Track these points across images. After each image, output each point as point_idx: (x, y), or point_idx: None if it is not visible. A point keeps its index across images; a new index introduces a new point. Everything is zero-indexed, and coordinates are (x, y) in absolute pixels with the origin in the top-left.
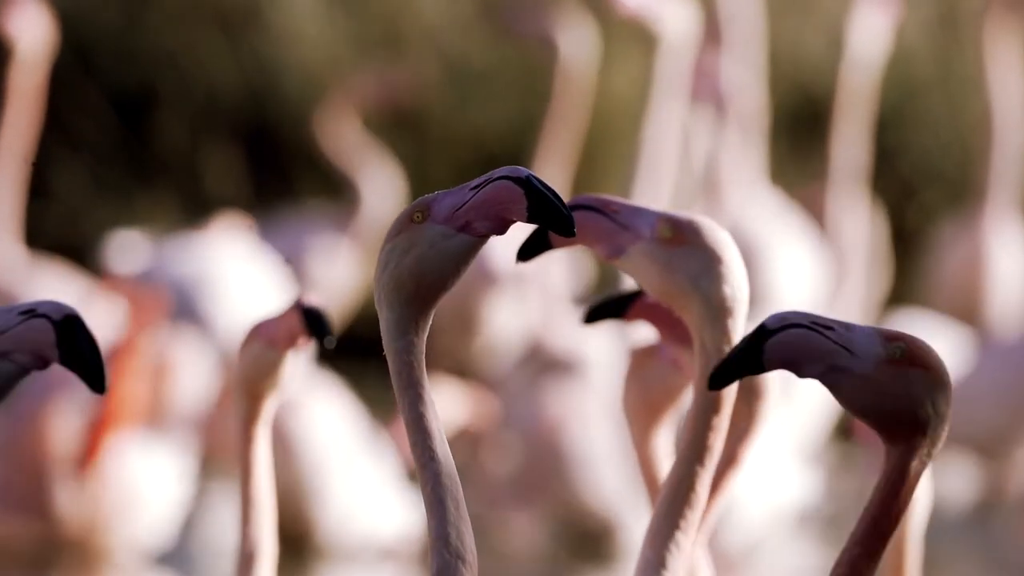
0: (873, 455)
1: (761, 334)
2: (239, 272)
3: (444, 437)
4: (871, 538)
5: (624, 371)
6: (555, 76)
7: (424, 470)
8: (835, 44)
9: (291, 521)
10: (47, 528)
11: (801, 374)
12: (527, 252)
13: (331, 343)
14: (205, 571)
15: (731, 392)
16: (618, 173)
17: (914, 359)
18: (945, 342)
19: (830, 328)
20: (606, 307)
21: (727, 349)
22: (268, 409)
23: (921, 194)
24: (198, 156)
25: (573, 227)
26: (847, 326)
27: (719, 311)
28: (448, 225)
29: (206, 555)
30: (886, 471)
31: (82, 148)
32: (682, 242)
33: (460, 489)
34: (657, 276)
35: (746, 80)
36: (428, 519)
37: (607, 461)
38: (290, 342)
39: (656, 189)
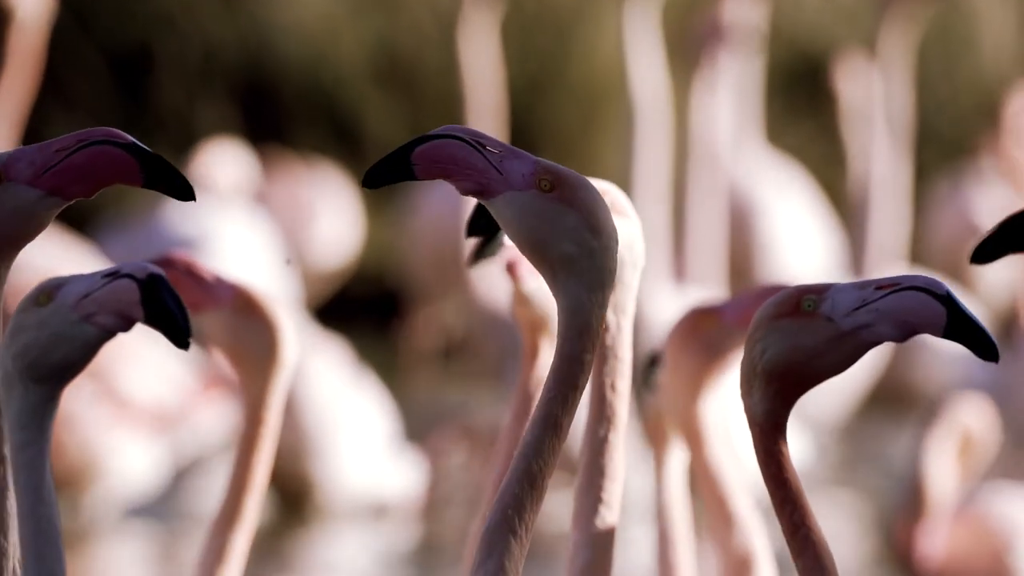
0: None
1: (418, 140)
2: (236, 234)
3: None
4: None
5: (676, 332)
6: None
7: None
8: (831, 2)
9: (290, 479)
10: None
11: (458, 187)
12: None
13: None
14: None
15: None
16: (611, 131)
17: (562, 195)
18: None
19: (491, 149)
20: (481, 248)
21: (620, 320)
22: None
23: (916, 153)
24: (195, 115)
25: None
26: (515, 153)
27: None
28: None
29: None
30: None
31: (79, 107)
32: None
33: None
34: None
35: (746, 37)
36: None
37: None
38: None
39: (657, 141)
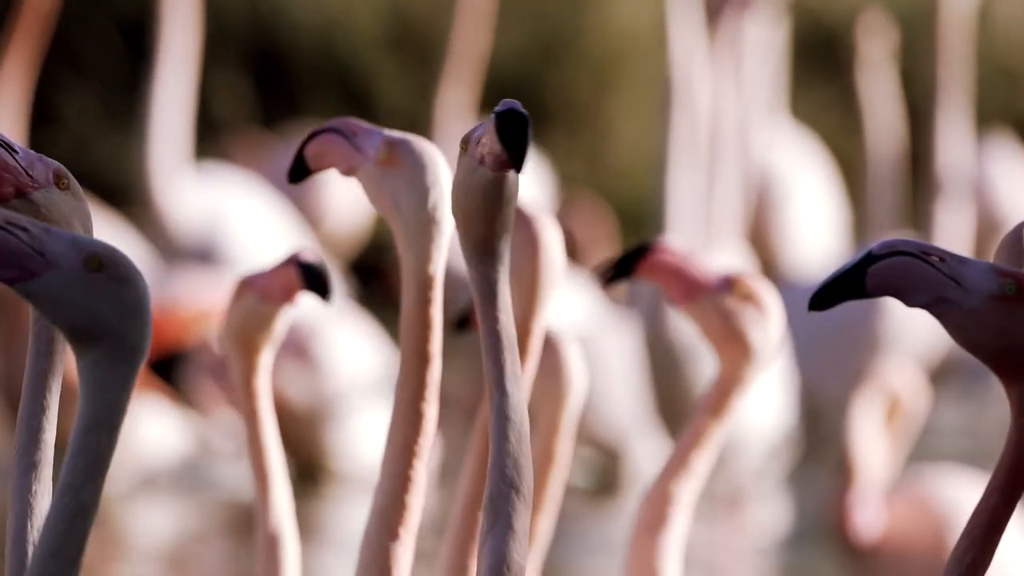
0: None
1: (867, 259)
2: (252, 209)
3: (518, 370)
4: (1008, 486)
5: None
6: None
7: (491, 399)
8: None
9: (305, 445)
10: None
11: (908, 302)
12: (295, 175)
13: (331, 300)
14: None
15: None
16: (624, 98)
17: (391, 160)
18: None
19: (941, 259)
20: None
21: (429, 270)
22: (265, 361)
23: (929, 123)
24: (207, 82)
25: (522, 165)
26: (960, 259)
27: (417, 232)
28: (473, 158)
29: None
30: (1014, 415)
31: (91, 75)
32: (394, 163)
33: (526, 423)
34: (372, 196)
35: (764, 7)
36: (491, 446)
37: (617, 389)
38: (286, 297)
39: (693, 110)
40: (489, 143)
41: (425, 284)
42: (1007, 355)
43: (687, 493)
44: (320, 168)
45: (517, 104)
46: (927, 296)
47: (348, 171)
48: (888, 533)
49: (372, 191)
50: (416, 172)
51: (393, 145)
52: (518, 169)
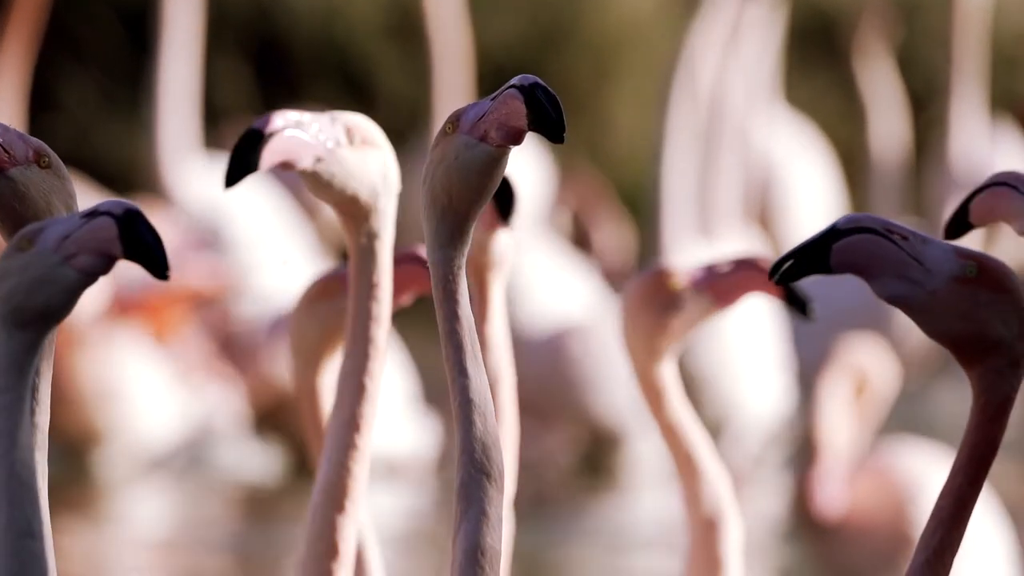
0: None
1: (831, 234)
2: (251, 198)
3: (478, 352)
4: (972, 466)
5: (635, 290)
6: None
7: (454, 384)
8: None
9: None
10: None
11: (873, 286)
12: (232, 176)
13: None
14: (208, 485)
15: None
16: (624, 86)
17: (986, 279)
18: None
19: (904, 238)
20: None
21: (388, 239)
22: (332, 364)
23: (929, 108)
24: (207, 69)
25: (563, 136)
26: (924, 239)
27: (389, 205)
28: (471, 135)
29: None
30: (975, 397)
31: (91, 62)
32: (370, 143)
33: (490, 404)
34: (340, 180)
35: None
36: (456, 433)
37: (617, 376)
38: (398, 296)
39: (692, 97)
40: (505, 116)
41: (381, 256)
42: (967, 339)
43: (706, 452)
44: (270, 166)
45: (534, 78)
46: (890, 276)
47: (307, 160)
48: (851, 509)
49: (340, 175)
50: (388, 149)
51: (359, 127)
52: (558, 139)
